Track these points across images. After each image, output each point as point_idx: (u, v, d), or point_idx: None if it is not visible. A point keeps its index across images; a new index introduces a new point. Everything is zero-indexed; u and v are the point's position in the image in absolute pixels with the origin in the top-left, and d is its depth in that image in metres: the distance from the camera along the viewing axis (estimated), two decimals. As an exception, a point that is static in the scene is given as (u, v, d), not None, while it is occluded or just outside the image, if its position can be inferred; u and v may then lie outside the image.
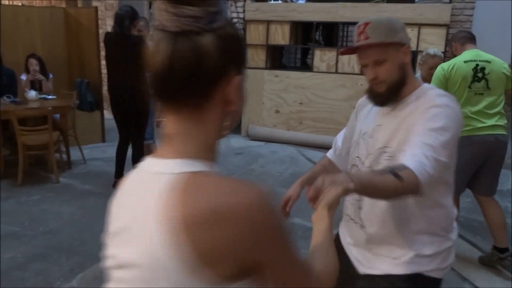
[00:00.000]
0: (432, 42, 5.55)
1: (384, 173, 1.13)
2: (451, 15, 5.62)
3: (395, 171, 1.12)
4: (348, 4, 5.85)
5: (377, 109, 1.45)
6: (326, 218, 0.96)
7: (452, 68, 2.98)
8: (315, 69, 6.23)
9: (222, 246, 0.64)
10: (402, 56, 1.36)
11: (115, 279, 0.76)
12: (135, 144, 4.12)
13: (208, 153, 0.75)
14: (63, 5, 7.72)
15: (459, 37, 3.23)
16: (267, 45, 6.40)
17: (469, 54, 3.02)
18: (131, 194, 0.77)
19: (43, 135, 4.45)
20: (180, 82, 0.69)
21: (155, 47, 0.69)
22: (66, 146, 5.03)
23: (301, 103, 6.35)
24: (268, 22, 6.30)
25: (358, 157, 1.48)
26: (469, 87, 2.94)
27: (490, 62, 2.98)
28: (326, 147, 5.87)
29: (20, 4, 5.96)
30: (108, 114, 6.13)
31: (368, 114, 1.51)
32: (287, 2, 6.41)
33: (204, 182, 0.69)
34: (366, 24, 1.33)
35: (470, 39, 3.17)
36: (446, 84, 2.99)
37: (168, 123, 0.74)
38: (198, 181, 0.68)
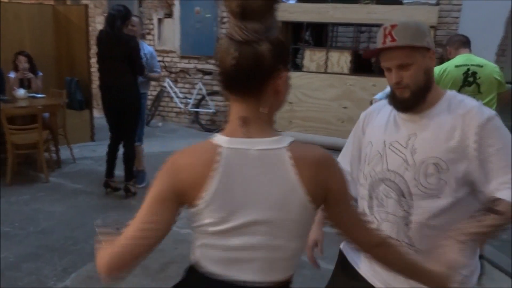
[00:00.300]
0: (420, 44, 5.64)
1: (484, 215, 1.14)
2: (438, 17, 5.72)
3: (493, 208, 1.13)
4: (339, 5, 5.91)
5: (399, 117, 1.40)
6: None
7: (443, 72, 3.06)
8: (304, 69, 6.28)
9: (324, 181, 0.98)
10: (428, 61, 1.32)
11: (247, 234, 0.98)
12: (126, 143, 4.12)
13: (274, 128, 1.01)
14: (52, 2, 7.65)
15: (454, 41, 3.27)
16: (258, 45, 6.43)
17: (461, 58, 3.09)
18: (247, 172, 0.96)
19: (32, 134, 4.43)
20: (244, 78, 0.93)
21: (225, 51, 0.92)
22: (56, 145, 5.00)
23: (290, 103, 6.40)
24: (259, 22, 6.33)
25: (388, 169, 1.37)
26: (459, 91, 3.01)
27: (482, 67, 3.04)
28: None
29: (7, 0, 5.88)
30: (97, 113, 6.12)
31: (387, 123, 1.43)
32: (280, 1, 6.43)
33: (301, 145, 1.01)
34: (393, 26, 1.28)
35: (464, 43, 3.21)
36: None
37: (235, 109, 0.99)
38: (299, 146, 1.00)
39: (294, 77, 6.31)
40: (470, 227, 1.18)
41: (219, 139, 0.98)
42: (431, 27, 5.61)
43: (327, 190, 0.99)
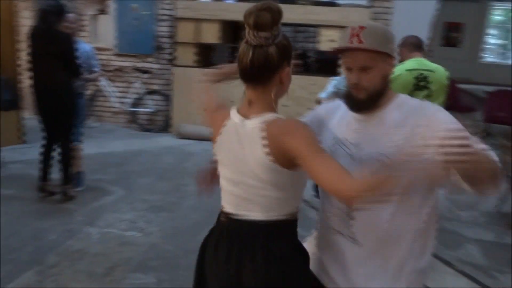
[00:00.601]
0: (355, 44, 5.87)
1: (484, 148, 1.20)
2: (371, 19, 5.98)
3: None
4: (277, 5, 6.00)
5: (351, 116, 1.43)
6: (411, 173, 1.11)
7: (396, 76, 3.03)
8: (245, 68, 6.31)
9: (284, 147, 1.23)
10: (388, 67, 1.36)
11: (229, 192, 1.41)
12: (62, 145, 3.92)
13: (274, 108, 1.34)
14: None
15: (408, 43, 3.25)
16: (198, 44, 6.38)
17: (413, 62, 3.14)
18: (233, 142, 1.34)
19: (-45, 136, 4.09)
20: (256, 71, 1.28)
21: (243, 52, 1.28)
22: (-18, 148, 4.66)
23: (232, 101, 6.38)
24: (199, 21, 6.28)
25: None
26: (410, 95, 3.12)
27: (434, 72, 3.13)
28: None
29: None
30: (28, 114, 5.76)
31: (340, 121, 1.47)
32: (218, 0, 6.43)
33: (276, 121, 1.28)
34: (362, 28, 1.31)
35: (418, 46, 3.23)
36: None
37: (247, 93, 1.35)
38: (275, 122, 1.28)
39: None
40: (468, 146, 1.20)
41: (232, 111, 1.39)
42: (365, 28, 5.87)
43: (290, 152, 1.23)
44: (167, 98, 6.87)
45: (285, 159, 1.25)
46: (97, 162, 5.01)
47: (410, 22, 6.21)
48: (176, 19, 6.41)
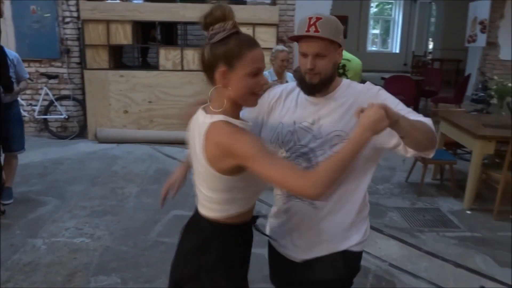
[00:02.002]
0: (265, 40, 6.24)
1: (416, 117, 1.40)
2: (279, 16, 6.40)
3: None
4: (188, 5, 6.14)
5: (306, 100, 1.57)
6: (358, 136, 1.20)
7: None
8: (161, 68, 6.36)
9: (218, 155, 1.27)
10: (337, 56, 1.51)
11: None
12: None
13: (227, 109, 1.32)
14: None
15: None
16: (109, 45, 6.26)
17: None
18: (193, 132, 1.38)
19: None
20: (203, 69, 1.36)
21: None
22: None
23: (150, 102, 6.42)
24: (108, 22, 6.16)
25: (300, 144, 1.54)
26: None
27: (350, 61, 3.55)
28: (180, 143, 6.18)
29: None
30: None
31: (296, 106, 1.59)
32: (126, 1, 6.36)
33: (222, 122, 1.28)
34: (318, 18, 1.42)
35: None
36: None
37: (210, 92, 1.35)
38: (219, 123, 1.28)
39: (152, 76, 6.36)
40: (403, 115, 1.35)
41: (200, 108, 1.39)
42: (274, 25, 6.26)
43: (233, 157, 1.24)
44: (79, 103, 6.63)
45: (220, 164, 1.27)
46: (18, 175, 4.73)
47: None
48: (83, 21, 6.21)
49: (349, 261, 1.58)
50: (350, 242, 1.56)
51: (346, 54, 3.63)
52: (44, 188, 4.44)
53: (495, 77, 4.73)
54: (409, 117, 1.37)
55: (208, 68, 1.33)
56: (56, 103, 6.55)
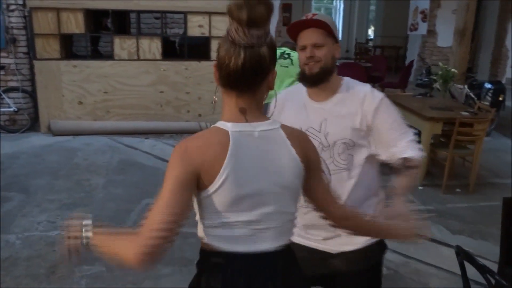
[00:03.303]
0: (221, 28, 6.31)
1: (406, 172, 1.55)
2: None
3: (410, 165, 1.55)
4: (144, -7, 6.08)
5: (309, 105, 1.62)
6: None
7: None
8: (116, 57, 6.25)
9: (306, 151, 1.23)
10: (335, 50, 1.58)
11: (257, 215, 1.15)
12: None
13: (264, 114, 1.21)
14: None
15: None
16: (60, 34, 6.06)
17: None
18: (254, 149, 1.14)
19: None
20: (249, 76, 1.11)
21: (231, 54, 1.09)
22: None
23: (105, 92, 6.30)
24: (58, 10, 5.96)
25: None
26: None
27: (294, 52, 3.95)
28: (138, 132, 6.16)
29: None
30: None
31: (299, 110, 1.64)
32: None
33: (287, 125, 1.21)
34: (314, 14, 1.55)
35: None
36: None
37: (234, 101, 1.15)
38: (286, 126, 1.20)
39: (106, 65, 6.25)
40: (402, 183, 1.55)
41: (224, 125, 1.13)
42: (229, 13, 6.33)
43: (308, 160, 1.20)
44: (29, 94, 6.38)
45: (305, 165, 1.20)
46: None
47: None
48: (31, 9, 5.95)
49: (381, 245, 1.70)
50: None
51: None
52: (5, 184, 4.30)
53: (440, 64, 5.13)
54: (402, 142, 1.57)
55: (266, 72, 1.14)
56: (3, 96, 6.26)
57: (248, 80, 1.11)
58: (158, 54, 6.31)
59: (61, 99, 6.21)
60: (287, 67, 4.08)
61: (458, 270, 3.10)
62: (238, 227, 1.13)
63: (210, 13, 6.23)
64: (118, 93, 6.33)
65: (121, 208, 3.83)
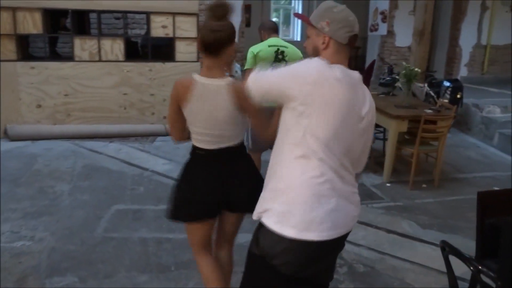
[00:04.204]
0: (186, 29, 6.23)
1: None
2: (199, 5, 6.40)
3: None
4: (105, -8, 5.90)
5: None
6: None
7: (259, 51, 3.73)
8: (77, 58, 6.03)
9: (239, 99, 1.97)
10: (319, 41, 1.62)
11: (205, 136, 2.02)
12: None
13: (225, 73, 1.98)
14: None
15: (267, 28, 3.95)
16: (16, 35, 5.78)
17: (272, 40, 3.83)
18: (206, 99, 1.92)
19: None
20: (218, 46, 1.89)
21: (208, 34, 1.87)
22: None
23: (66, 95, 6.06)
24: (14, 9, 5.67)
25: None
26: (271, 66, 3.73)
27: (288, 48, 3.84)
28: (101, 136, 5.97)
29: None
30: None
31: None
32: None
33: (234, 82, 1.96)
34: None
35: (275, 30, 3.95)
36: (255, 63, 3.71)
37: (206, 62, 1.94)
38: (233, 82, 1.95)
39: (66, 67, 6.01)
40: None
41: (196, 76, 1.93)
42: (194, 14, 6.25)
43: (240, 104, 1.92)
44: (-17, 98, 6.04)
45: (239, 106, 1.93)
46: None
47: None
48: (-17, 8, 5.64)
49: None
50: None
51: (284, 42, 3.90)
52: (-39, 193, 4.04)
53: (404, 63, 5.27)
54: None
55: (227, 44, 1.92)
56: (-46, 100, 5.90)
57: (213, 48, 1.89)
58: (120, 55, 6.13)
59: (18, 103, 5.92)
60: None
61: (431, 264, 3.27)
62: (203, 135, 2.00)
63: (174, 14, 6.13)
64: (79, 95, 6.11)
65: (90, 215, 3.69)
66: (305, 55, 1.82)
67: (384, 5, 8.24)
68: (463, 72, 9.01)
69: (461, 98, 6.46)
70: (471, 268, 1.74)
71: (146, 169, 4.88)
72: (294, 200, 1.51)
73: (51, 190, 4.20)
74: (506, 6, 8.89)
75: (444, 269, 3.10)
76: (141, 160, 5.20)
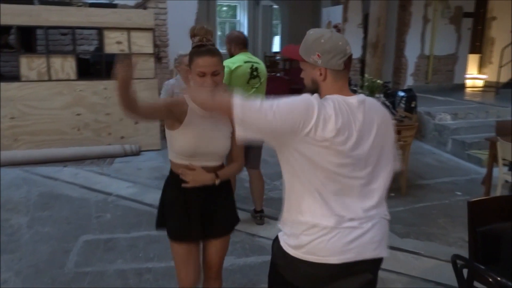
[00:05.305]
0: (142, 45, 6.01)
1: None
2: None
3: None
4: (53, 8, 5.55)
5: None
6: None
7: (237, 67, 3.52)
8: (24, 79, 5.62)
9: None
10: (316, 73, 1.58)
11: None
12: None
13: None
14: None
15: (238, 41, 3.69)
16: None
17: (246, 56, 3.65)
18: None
19: None
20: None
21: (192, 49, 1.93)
22: None
23: (12, 118, 5.63)
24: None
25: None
26: (248, 82, 3.60)
27: (259, 63, 3.69)
28: (54, 161, 5.59)
29: None
30: None
31: None
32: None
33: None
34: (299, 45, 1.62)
35: (245, 44, 3.73)
36: (230, 79, 3.48)
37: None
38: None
39: (12, 88, 5.61)
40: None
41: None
42: (149, 29, 6.05)
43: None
44: None
45: None
46: None
47: (180, 20, 6.76)
48: None
49: None
50: None
51: (255, 58, 3.77)
52: None
53: (366, 75, 5.39)
54: None
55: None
56: None
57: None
58: (72, 73, 5.80)
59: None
60: (257, 88, 3.71)
61: (415, 273, 3.30)
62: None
63: (129, 29, 5.90)
64: (28, 118, 5.70)
65: (56, 249, 3.39)
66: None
67: (337, 19, 8.46)
68: (409, 81, 9.40)
69: (415, 107, 6.71)
70: (490, 279, 1.74)
71: (110, 194, 4.60)
72: None
73: (7, 224, 3.83)
74: (445, 18, 9.42)
75: (429, 277, 3.20)
76: (103, 185, 4.90)
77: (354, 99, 1.55)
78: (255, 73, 3.64)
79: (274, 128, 1.45)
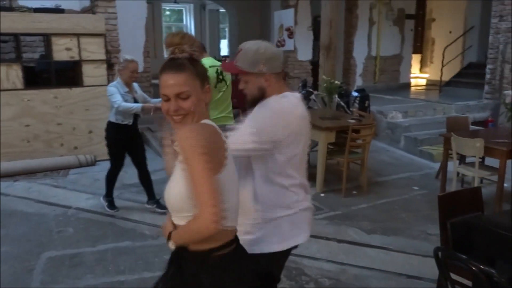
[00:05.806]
0: (93, 51, 5.79)
1: None
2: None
3: None
4: (-5, 13, 5.23)
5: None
6: None
7: None
8: (-35, 89, 5.26)
9: None
10: (262, 81, 1.76)
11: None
12: None
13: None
14: None
15: (197, 46, 3.70)
16: None
17: (210, 60, 3.63)
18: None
19: None
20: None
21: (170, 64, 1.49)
22: None
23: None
24: None
25: None
26: (215, 87, 3.55)
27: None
28: (3, 176, 5.23)
29: None
30: None
31: None
32: None
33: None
34: (240, 50, 1.76)
35: (204, 49, 3.74)
36: None
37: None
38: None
39: (-47, 100, 5.20)
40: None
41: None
42: (101, 35, 5.84)
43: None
44: None
45: None
46: None
47: (132, 26, 6.62)
48: None
49: None
50: None
51: (216, 61, 3.75)
52: None
53: (324, 77, 5.50)
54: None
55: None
56: None
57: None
58: (19, 82, 5.49)
59: None
60: (224, 91, 3.70)
61: (387, 267, 3.40)
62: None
63: (78, 35, 5.66)
64: (-29, 131, 5.32)
65: (18, 269, 3.18)
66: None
67: (290, 22, 8.57)
68: (358, 82, 9.73)
69: (369, 106, 6.94)
70: (473, 268, 1.82)
71: (69, 207, 4.39)
72: None
73: (-42, 246, 3.55)
74: (389, 20, 9.84)
75: (400, 271, 3.31)
76: (60, 198, 4.67)
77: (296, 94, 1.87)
78: (220, 77, 3.62)
79: None
